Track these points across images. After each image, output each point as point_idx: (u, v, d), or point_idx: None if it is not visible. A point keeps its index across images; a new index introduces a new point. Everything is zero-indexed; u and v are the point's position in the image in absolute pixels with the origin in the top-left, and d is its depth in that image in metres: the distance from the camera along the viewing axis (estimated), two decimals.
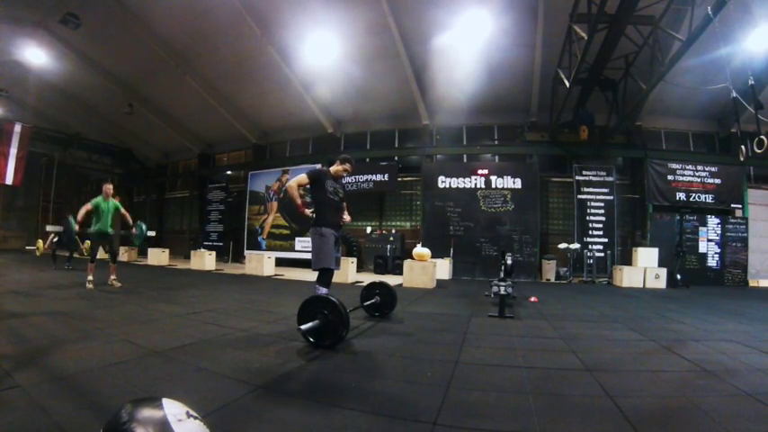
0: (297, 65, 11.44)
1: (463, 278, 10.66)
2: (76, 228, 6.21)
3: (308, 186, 3.73)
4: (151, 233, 7.70)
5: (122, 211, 6.68)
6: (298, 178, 3.70)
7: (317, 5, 9.76)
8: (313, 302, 3.13)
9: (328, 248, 3.59)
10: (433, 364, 2.77)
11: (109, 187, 6.48)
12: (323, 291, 3.51)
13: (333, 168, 3.86)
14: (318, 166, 12.92)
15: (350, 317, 3.15)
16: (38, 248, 9.10)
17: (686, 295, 7.90)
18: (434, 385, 2.33)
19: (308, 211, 3.72)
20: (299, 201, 3.68)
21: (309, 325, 2.96)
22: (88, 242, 6.32)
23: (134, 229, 6.90)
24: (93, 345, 2.93)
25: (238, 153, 16.30)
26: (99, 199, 6.34)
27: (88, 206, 6.21)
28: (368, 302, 4.42)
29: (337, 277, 8.29)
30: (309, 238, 3.84)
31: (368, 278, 7.13)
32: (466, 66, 10.28)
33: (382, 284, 4.61)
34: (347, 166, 3.83)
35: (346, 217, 3.83)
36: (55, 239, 10.10)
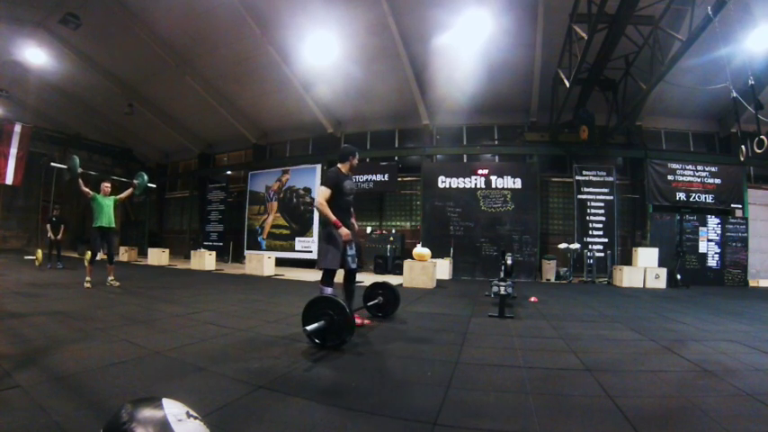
0: (297, 65, 11.44)
1: (463, 278, 10.66)
2: (80, 170, 6.27)
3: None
4: (152, 185, 7.69)
5: (122, 196, 6.87)
6: (323, 194, 3.56)
7: (317, 5, 9.75)
8: (318, 303, 3.12)
9: (334, 250, 3.59)
10: (434, 364, 2.77)
11: (107, 185, 6.61)
12: (328, 290, 3.53)
13: (343, 166, 3.77)
14: (318, 166, 13.04)
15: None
16: (36, 258, 9.04)
17: (686, 295, 7.90)
18: (434, 385, 2.33)
19: (343, 230, 3.53)
20: (333, 217, 3.54)
21: (315, 326, 2.95)
22: (88, 254, 6.35)
23: (135, 181, 7.00)
24: (93, 345, 2.93)
25: (238, 153, 16.29)
26: (98, 195, 6.48)
27: (90, 193, 6.38)
28: (371, 303, 4.42)
29: (337, 277, 8.33)
30: (313, 238, 3.87)
31: (368, 278, 7.14)
32: (466, 66, 10.28)
33: (385, 285, 4.61)
34: (357, 157, 3.85)
35: (354, 222, 3.87)
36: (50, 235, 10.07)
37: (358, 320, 3.83)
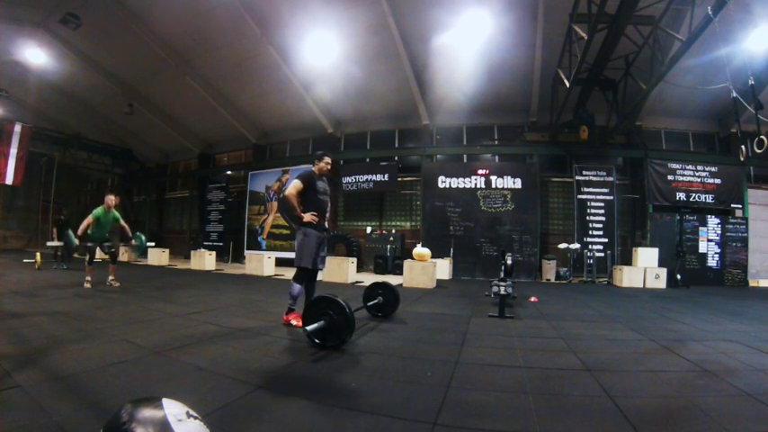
0: (297, 65, 11.44)
1: (463, 278, 10.66)
2: (76, 242, 6.25)
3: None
4: (150, 244, 7.75)
5: (122, 223, 6.70)
6: (295, 185, 3.77)
7: (317, 5, 9.75)
8: (318, 303, 3.12)
9: (309, 248, 3.75)
10: (434, 364, 2.76)
11: (111, 199, 6.46)
12: (297, 287, 3.74)
13: (316, 168, 3.99)
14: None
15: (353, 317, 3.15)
16: (36, 262, 9.07)
17: (686, 295, 7.89)
18: (434, 385, 2.33)
19: (307, 216, 3.75)
20: (297, 209, 3.77)
21: (315, 326, 2.95)
22: (87, 255, 6.33)
23: (133, 241, 6.93)
24: (93, 345, 2.93)
25: (238, 153, 16.29)
26: (100, 211, 6.33)
27: (90, 219, 6.25)
28: (371, 303, 4.42)
29: (337, 277, 8.34)
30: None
31: (368, 278, 7.13)
32: (466, 66, 10.28)
33: (385, 285, 4.61)
34: (328, 159, 4.01)
35: (327, 224, 3.98)
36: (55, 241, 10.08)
37: (294, 321, 3.82)
